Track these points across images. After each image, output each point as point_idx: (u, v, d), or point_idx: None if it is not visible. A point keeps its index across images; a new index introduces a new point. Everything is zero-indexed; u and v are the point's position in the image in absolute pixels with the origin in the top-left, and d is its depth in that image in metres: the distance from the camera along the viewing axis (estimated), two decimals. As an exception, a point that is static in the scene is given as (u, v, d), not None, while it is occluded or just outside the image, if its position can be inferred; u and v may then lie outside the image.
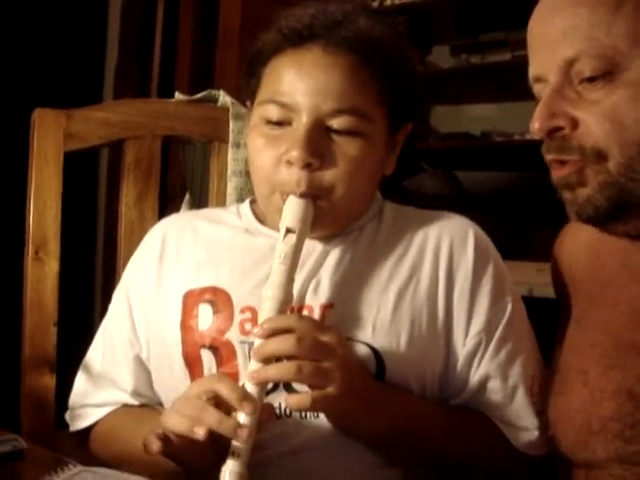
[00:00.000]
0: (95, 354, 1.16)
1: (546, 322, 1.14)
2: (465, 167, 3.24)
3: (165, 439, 0.84)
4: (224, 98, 1.42)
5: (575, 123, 0.92)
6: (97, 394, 1.13)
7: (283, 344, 0.88)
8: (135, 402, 1.11)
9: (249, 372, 0.89)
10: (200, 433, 0.82)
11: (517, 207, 2.88)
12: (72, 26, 2.83)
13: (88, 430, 1.14)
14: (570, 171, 0.94)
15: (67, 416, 1.18)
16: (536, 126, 0.94)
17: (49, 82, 2.64)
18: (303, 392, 0.91)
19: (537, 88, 0.99)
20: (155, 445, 0.83)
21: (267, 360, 0.89)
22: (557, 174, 0.96)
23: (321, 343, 0.91)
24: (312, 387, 0.90)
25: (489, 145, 3.07)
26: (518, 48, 2.86)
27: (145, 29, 3.02)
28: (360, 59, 1.02)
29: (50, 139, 1.29)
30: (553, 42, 0.93)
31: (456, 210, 1.15)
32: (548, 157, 0.97)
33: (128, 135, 1.36)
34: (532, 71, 0.99)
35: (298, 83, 1.01)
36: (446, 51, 3.31)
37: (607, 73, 0.90)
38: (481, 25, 3.11)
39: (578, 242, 1.11)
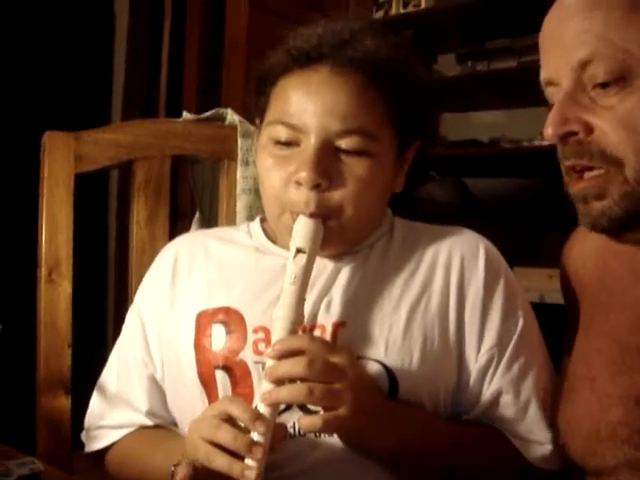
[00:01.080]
0: (109, 375, 1.17)
1: (557, 328, 1.13)
2: (474, 174, 3.24)
3: (194, 470, 0.87)
4: (232, 116, 1.43)
5: (589, 128, 0.92)
6: (112, 415, 1.14)
7: (295, 367, 0.89)
8: (150, 422, 1.12)
9: (261, 393, 0.90)
10: (251, 477, 0.84)
11: (527, 213, 2.87)
12: (79, 45, 2.85)
13: (104, 451, 1.14)
14: (590, 184, 0.94)
15: (83, 437, 1.18)
16: (549, 131, 0.94)
17: (58, 103, 2.66)
18: (315, 414, 0.91)
19: (549, 91, 0.98)
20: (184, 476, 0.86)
21: (279, 381, 0.90)
22: (576, 187, 0.96)
23: (332, 365, 0.91)
24: (324, 408, 0.90)
25: (497, 152, 3.06)
26: (524, 55, 2.86)
27: (152, 47, 3.04)
28: (367, 79, 1.03)
29: (60, 161, 1.30)
30: (567, 44, 0.93)
31: (465, 217, 1.15)
32: (567, 163, 0.96)
33: (137, 156, 1.37)
34: (544, 74, 0.98)
35: (306, 104, 1.01)
36: (452, 59, 3.31)
37: (620, 79, 0.89)
38: (486, 32, 3.11)
39: (586, 248, 1.10)
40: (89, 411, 1.17)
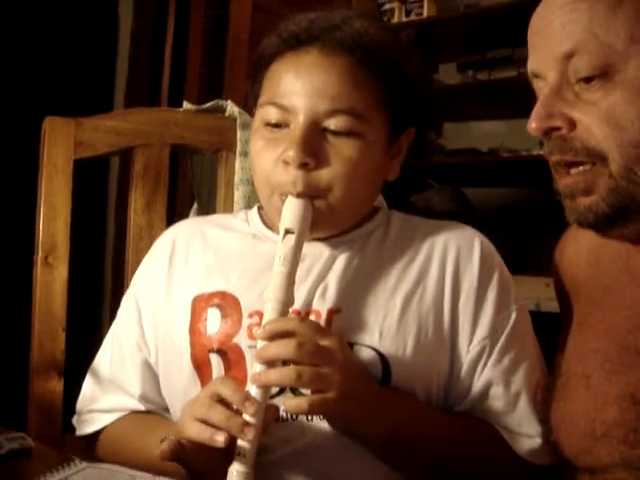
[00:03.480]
0: (103, 359, 1.17)
1: (553, 336, 1.14)
2: (472, 183, 3.25)
3: (180, 445, 0.86)
4: (232, 108, 1.44)
5: (572, 124, 0.93)
6: (104, 399, 1.14)
7: (284, 349, 0.89)
8: (142, 407, 1.12)
9: (251, 375, 0.91)
10: (220, 440, 0.84)
11: (524, 223, 2.88)
12: (83, 38, 2.86)
13: (95, 435, 1.14)
14: (577, 180, 0.95)
15: (74, 420, 1.18)
16: (533, 126, 0.95)
17: (61, 95, 2.66)
18: (303, 396, 0.92)
19: (536, 84, 0.99)
20: (169, 449, 0.85)
21: (270, 363, 0.90)
22: (563, 182, 0.97)
23: (321, 348, 0.91)
24: (312, 391, 0.91)
25: (496, 161, 3.07)
26: (524, 65, 2.86)
27: (155, 41, 3.05)
28: (357, 60, 1.03)
29: (60, 147, 1.31)
30: (552, 36, 0.94)
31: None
32: (553, 158, 0.97)
33: (137, 143, 1.38)
34: (530, 66, 0.99)
35: (295, 85, 1.02)
36: (453, 68, 3.33)
37: (604, 73, 0.90)
38: (487, 42, 3.13)
39: (579, 247, 1.11)
40: (81, 395, 1.17)
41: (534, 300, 2.22)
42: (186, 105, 1.45)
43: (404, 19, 3.24)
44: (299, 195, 1.01)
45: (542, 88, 0.97)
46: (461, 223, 1.15)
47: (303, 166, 1.00)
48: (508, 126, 3.27)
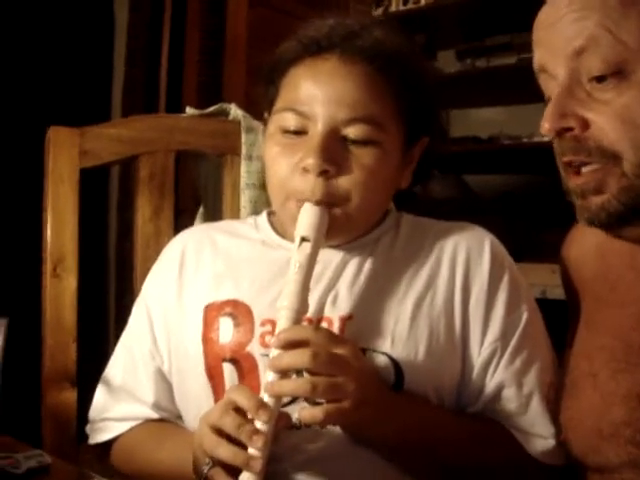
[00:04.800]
0: (115, 367, 1.17)
1: (560, 324, 1.14)
2: (474, 171, 3.25)
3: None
4: (235, 111, 1.44)
5: (586, 124, 0.92)
6: (117, 407, 1.14)
7: (299, 358, 0.89)
8: (156, 415, 1.12)
9: (265, 383, 0.91)
10: (257, 467, 0.85)
11: (528, 209, 2.88)
12: (79, 41, 2.84)
13: (108, 443, 1.15)
14: (588, 179, 0.94)
15: (87, 429, 1.18)
16: (546, 126, 0.93)
17: (58, 98, 2.65)
18: (317, 406, 0.91)
19: (542, 78, 0.98)
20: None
21: (283, 372, 0.90)
22: (574, 182, 0.96)
23: (336, 357, 0.91)
24: (327, 400, 0.91)
25: (497, 148, 3.07)
26: (524, 51, 2.86)
27: (152, 42, 3.03)
28: (376, 69, 1.04)
29: (65, 157, 1.30)
30: (562, 31, 0.92)
31: (465, 214, 1.15)
32: (564, 159, 0.96)
33: (141, 151, 1.37)
34: (538, 60, 0.97)
35: (315, 92, 1.02)
36: (451, 56, 3.32)
37: (616, 72, 0.89)
38: (486, 29, 3.12)
39: (585, 244, 1.10)
40: (93, 404, 1.17)
41: (540, 287, 2.22)
42: (189, 110, 1.44)
43: (402, 7, 3.23)
44: (317, 203, 1.00)
45: (549, 84, 0.95)
46: (471, 224, 1.14)
47: (323, 174, 1.00)
48: (508, 113, 3.27)
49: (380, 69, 1.04)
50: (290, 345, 0.90)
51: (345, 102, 1.01)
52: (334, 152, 1.01)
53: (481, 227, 1.14)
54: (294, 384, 0.90)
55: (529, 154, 2.87)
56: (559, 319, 1.14)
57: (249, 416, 0.88)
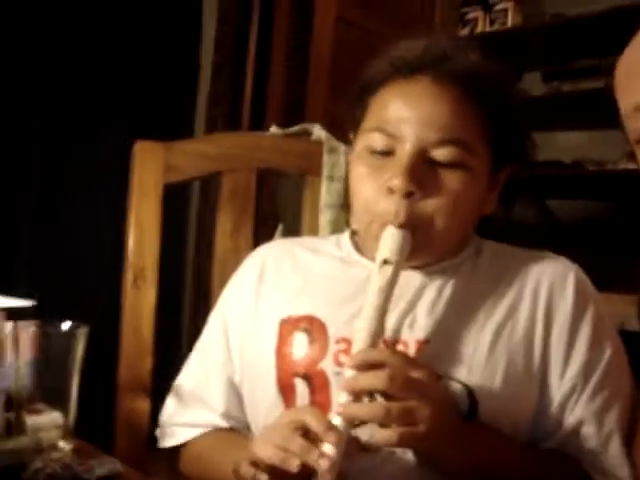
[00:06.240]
0: (188, 374, 1.19)
1: (637, 356, 1.11)
2: (556, 196, 3.18)
3: (255, 467, 0.86)
4: (318, 132, 1.45)
5: None
6: (187, 413, 1.16)
7: (375, 380, 0.88)
8: (225, 424, 1.13)
9: (338, 405, 0.90)
10: (294, 465, 0.84)
11: (609, 238, 2.81)
12: (165, 55, 2.90)
13: (176, 447, 1.16)
14: None
15: (157, 432, 1.20)
16: None
17: (144, 111, 2.72)
18: (392, 429, 0.90)
19: (636, 117, 0.93)
20: (250, 472, 0.85)
21: (357, 393, 0.89)
22: None
23: (413, 381, 0.90)
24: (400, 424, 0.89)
25: (580, 174, 3.01)
26: (612, 75, 2.79)
27: (237, 58, 3.07)
28: (467, 92, 1.02)
29: (150, 171, 1.34)
30: None
31: (546, 239, 1.12)
32: None
33: (225, 168, 1.39)
34: (631, 99, 0.92)
35: (404, 113, 1.02)
36: (537, 78, 3.26)
37: None
38: (574, 52, 3.06)
39: None
40: (165, 409, 1.19)
41: (619, 318, 2.16)
42: (273, 129, 1.46)
43: (488, 29, 3.20)
44: (401, 226, 0.99)
45: None
46: (554, 254, 1.12)
47: (408, 195, 0.99)
48: (593, 138, 3.19)
49: (471, 93, 1.03)
50: (366, 366, 0.89)
51: (435, 124, 1.00)
52: (421, 174, 0.99)
53: (565, 257, 1.11)
54: (368, 408, 0.88)
55: (613, 181, 2.81)
56: (636, 351, 1.11)
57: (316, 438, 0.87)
